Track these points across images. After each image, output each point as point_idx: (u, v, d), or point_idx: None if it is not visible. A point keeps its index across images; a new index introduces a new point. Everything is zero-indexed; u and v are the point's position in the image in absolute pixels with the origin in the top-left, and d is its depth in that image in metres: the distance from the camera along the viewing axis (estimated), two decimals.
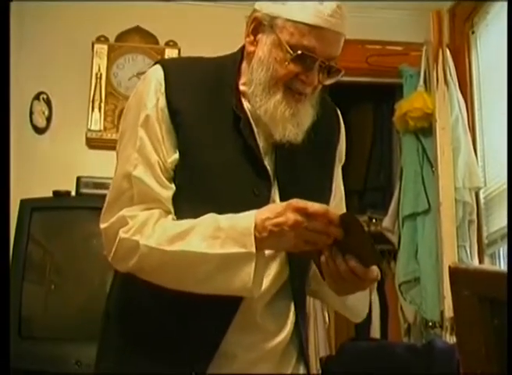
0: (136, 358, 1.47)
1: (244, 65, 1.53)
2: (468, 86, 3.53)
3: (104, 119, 3.66)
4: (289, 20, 1.44)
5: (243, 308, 1.44)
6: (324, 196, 1.58)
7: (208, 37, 3.63)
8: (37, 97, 3.67)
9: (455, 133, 3.31)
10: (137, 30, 3.83)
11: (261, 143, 1.50)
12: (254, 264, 1.32)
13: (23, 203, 3.10)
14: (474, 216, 3.29)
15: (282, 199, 1.48)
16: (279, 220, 1.32)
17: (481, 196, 3.40)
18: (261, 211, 1.36)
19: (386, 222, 3.54)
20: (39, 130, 3.67)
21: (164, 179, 1.45)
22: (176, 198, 1.46)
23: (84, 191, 3.27)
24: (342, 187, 1.67)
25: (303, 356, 1.56)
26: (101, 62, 3.73)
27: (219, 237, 1.35)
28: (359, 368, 2.66)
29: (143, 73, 3.65)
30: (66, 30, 3.76)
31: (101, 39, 3.77)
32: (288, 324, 1.53)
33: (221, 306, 1.41)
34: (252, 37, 1.50)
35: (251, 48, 1.50)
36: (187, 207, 1.45)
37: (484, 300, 0.95)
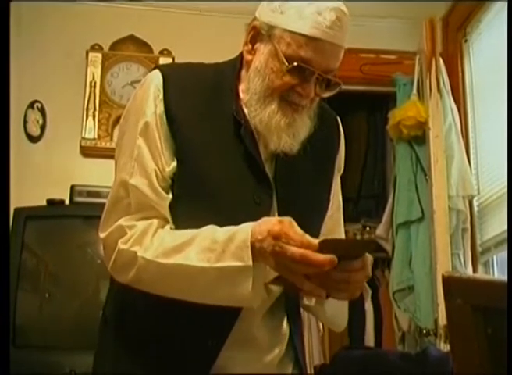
0: (132, 365, 1.46)
1: (243, 72, 1.52)
2: (461, 94, 3.55)
3: (99, 128, 3.66)
4: (286, 30, 1.42)
5: (241, 322, 1.44)
6: (321, 206, 1.58)
7: (202, 46, 3.64)
8: (31, 105, 3.67)
9: (448, 141, 3.32)
10: (131, 39, 3.83)
11: (261, 150, 1.49)
12: (251, 277, 1.31)
13: (17, 211, 3.10)
14: (468, 224, 3.29)
15: (279, 208, 1.48)
16: (261, 245, 1.31)
17: (475, 204, 3.41)
18: (256, 226, 1.34)
19: (380, 230, 3.54)
20: (33, 139, 3.67)
21: (160, 188, 1.44)
22: (174, 207, 1.45)
23: (78, 199, 3.27)
24: (340, 197, 1.66)
25: (298, 367, 1.56)
26: (95, 71, 3.73)
27: (216, 249, 1.34)
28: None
29: (137, 81, 3.72)
30: (60, 38, 3.76)
31: (96, 48, 3.78)
32: (283, 337, 1.53)
33: (219, 319, 1.40)
34: (250, 46, 1.49)
35: (249, 57, 1.49)
36: (186, 216, 1.44)
37: (477, 309, 0.96)
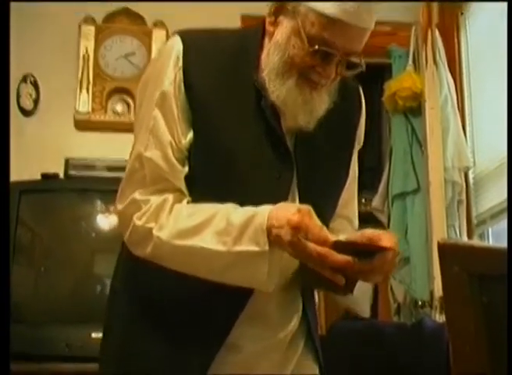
0: (144, 329, 1.46)
1: (266, 40, 1.47)
2: (457, 66, 3.52)
3: (93, 101, 3.62)
4: (312, 10, 1.37)
5: (253, 298, 1.43)
6: (340, 180, 1.57)
7: (197, 18, 3.59)
8: (24, 79, 3.63)
9: (444, 113, 3.30)
10: (125, 12, 3.79)
11: (282, 123, 1.47)
12: (267, 262, 1.31)
13: (12, 186, 3.05)
14: (464, 196, 3.29)
15: (299, 184, 1.47)
16: (279, 232, 1.30)
17: (470, 176, 3.40)
18: (273, 211, 1.33)
19: (376, 201, 3.53)
20: (26, 113, 3.63)
21: (175, 160, 1.42)
22: (191, 180, 1.44)
23: (73, 173, 3.24)
24: (356, 167, 1.64)
25: (311, 340, 1.56)
26: (88, 44, 3.69)
27: (233, 233, 1.33)
28: (349, 347, 2.67)
29: (131, 54, 3.69)
30: (53, 11, 3.72)
31: (88, 20, 3.73)
32: (296, 314, 1.53)
33: (232, 294, 1.39)
34: (273, 18, 1.44)
35: (271, 29, 1.45)
36: (203, 189, 1.43)
37: (473, 276, 0.95)
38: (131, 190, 1.43)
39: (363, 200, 3.69)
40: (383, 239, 1.34)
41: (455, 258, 0.95)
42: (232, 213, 1.35)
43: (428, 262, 3.15)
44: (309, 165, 1.48)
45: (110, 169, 3.20)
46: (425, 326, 2.71)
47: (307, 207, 1.32)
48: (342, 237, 1.36)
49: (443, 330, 2.57)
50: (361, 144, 1.64)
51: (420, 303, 3.19)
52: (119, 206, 1.45)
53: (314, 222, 1.30)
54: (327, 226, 1.43)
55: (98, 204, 3.14)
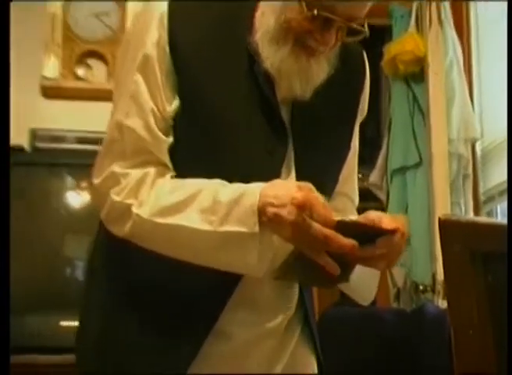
0: (126, 317, 1.47)
1: (262, 2, 1.45)
2: (465, 27, 3.53)
3: (61, 66, 3.60)
4: None
5: (244, 282, 1.43)
6: (341, 154, 1.57)
7: None
8: None
9: (449, 79, 3.31)
10: None
11: (276, 92, 1.45)
12: (257, 245, 1.30)
13: None
14: (470, 171, 3.31)
15: (296, 158, 1.46)
16: (279, 212, 1.28)
17: (478, 148, 3.42)
18: (267, 189, 1.31)
19: (374, 177, 3.55)
20: None
21: (158, 130, 1.42)
22: (175, 151, 1.44)
23: (40, 145, 3.23)
24: (357, 141, 1.65)
25: (308, 327, 1.57)
26: (55, 3, 3.66)
27: (219, 212, 1.32)
28: (344, 335, 2.69)
29: (103, 13, 3.65)
30: None
31: None
32: (292, 300, 1.54)
33: (220, 277, 1.39)
34: None
35: None
36: (188, 162, 1.43)
37: (476, 255, 0.96)
38: (109, 162, 1.43)
39: (359, 175, 3.70)
40: (388, 222, 1.34)
41: (457, 235, 0.95)
42: (219, 190, 1.35)
43: (431, 242, 3.18)
44: (307, 139, 1.48)
45: (81, 141, 3.19)
46: (427, 313, 2.72)
47: (306, 184, 1.31)
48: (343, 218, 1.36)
49: (446, 316, 2.58)
50: (364, 114, 1.63)
51: (421, 288, 3.23)
52: (96, 180, 1.45)
53: (319, 199, 1.29)
54: None
55: (68, 179, 3.13)
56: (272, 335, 1.50)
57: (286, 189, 1.30)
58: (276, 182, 1.34)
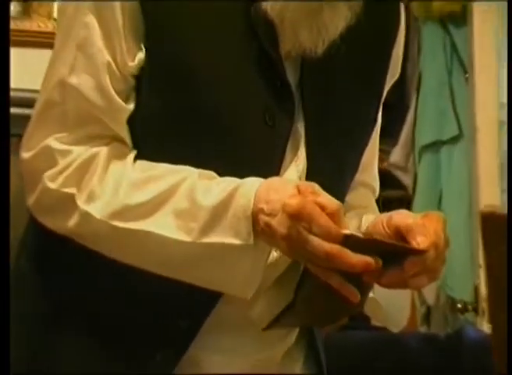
0: (64, 340, 1.47)
1: None
2: None
3: None
4: None
5: (227, 299, 1.43)
6: (366, 128, 1.59)
7: None
8: None
9: (502, 20, 3.28)
10: None
11: (281, 46, 1.45)
12: (250, 260, 1.31)
13: None
14: None
15: (307, 134, 1.47)
16: (270, 222, 1.29)
17: None
18: (262, 190, 1.31)
19: (396, 155, 3.59)
20: None
21: (114, 92, 1.40)
22: (138, 124, 1.43)
23: None
24: (380, 113, 1.67)
25: (314, 357, 1.60)
26: None
27: (202, 217, 1.32)
28: (352, 366, 2.69)
29: None
30: None
31: None
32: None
33: (196, 291, 1.39)
34: None
35: None
36: (155, 140, 1.43)
37: None
38: (44, 133, 1.42)
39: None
40: (419, 233, 1.30)
41: (503, 234, 0.95)
42: (201, 186, 1.34)
43: (472, 244, 3.19)
44: (321, 108, 1.50)
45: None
46: (466, 339, 2.73)
47: (310, 184, 1.31)
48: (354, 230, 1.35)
49: (491, 343, 2.60)
50: (396, 76, 1.66)
51: (459, 306, 3.24)
52: (24, 154, 1.44)
53: (322, 204, 1.27)
54: (343, 201, 1.45)
55: None
56: (263, 369, 1.51)
57: (280, 191, 1.30)
58: (273, 181, 1.34)
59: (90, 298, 1.47)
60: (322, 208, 1.26)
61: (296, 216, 1.26)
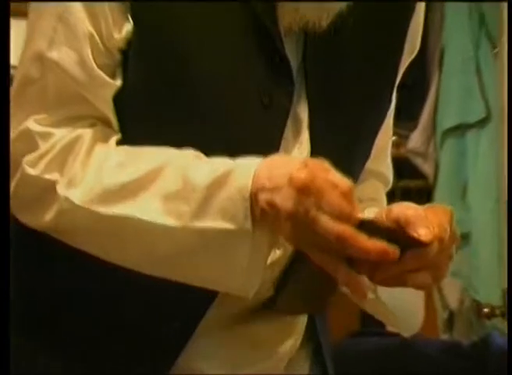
0: (44, 345, 1.49)
1: None
2: None
3: None
4: None
5: (222, 300, 1.44)
6: (379, 113, 1.58)
7: None
8: None
9: None
10: None
11: (280, 18, 1.44)
12: (248, 248, 1.29)
13: None
14: None
15: (311, 116, 1.47)
16: (273, 198, 1.27)
17: None
18: (262, 168, 1.30)
19: (415, 140, 3.58)
20: None
21: (98, 67, 1.40)
22: (124, 102, 1.43)
23: None
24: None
25: (320, 366, 1.61)
26: None
27: (193, 200, 1.31)
28: None
29: None
30: None
31: None
32: (297, 325, 1.56)
33: (189, 291, 1.38)
34: None
35: None
36: (144, 120, 1.43)
37: None
38: (22, 114, 1.42)
39: (393, 138, 3.71)
40: (421, 224, 1.29)
41: None
42: (193, 167, 1.34)
43: (500, 240, 3.17)
44: (327, 88, 1.49)
45: None
46: (493, 347, 2.73)
47: (319, 162, 1.29)
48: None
49: None
50: (415, 52, 1.64)
51: (486, 310, 3.24)
52: None
53: (333, 181, 1.26)
54: None
55: None
56: None
57: (286, 166, 1.29)
58: (276, 158, 1.33)
59: (68, 301, 1.49)
60: (333, 185, 1.24)
61: (305, 190, 1.24)
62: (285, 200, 1.25)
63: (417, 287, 1.35)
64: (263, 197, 1.27)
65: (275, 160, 1.32)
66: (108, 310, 1.46)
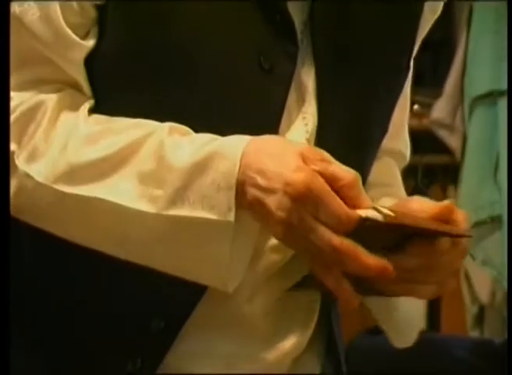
0: (19, 348, 1.49)
1: None
2: None
3: None
4: None
5: (213, 296, 1.43)
6: (396, 77, 1.58)
7: None
8: None
9: None
10: None
11: None
12: (230, 240, 1.30)
13: None
14: None
15: (319, 84, 1.47)
16: (265, 201, 1.28)
17: None
18: (251, 153, 1.31)
19: (440, 110, 3.59)
20: None
21: (66, 25, 1.39)
22: (98, 65, 1.43)
23: None
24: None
25: (334, 363, 1.61)
26: None
27: (169, 182, 1.32)
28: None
29: None
30: None
31: None
32: (305, 317, 1.56)
33: (175, 291, 1.41)
34: None
35: None
36: (119, 86, 1.43)
37: None
38: None
39: (414, 106, 3.70)
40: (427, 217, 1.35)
41: None
42: (172, 144, 1.34)
43: None
44: (336, 54, 1.49)
45: None
46: None
47: (317, 152, 1.31)
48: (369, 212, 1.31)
49: None
50: (439, 11, 1.63)
51: None
52: None
53: (335, 175, 1.27)
54: (367, 173, 1.50)
55: None
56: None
57: (280, 160, 1.30)
58: (266, 140, 1.34)
59: (52, 298, 1.51)
60: (335, 179, 1.26)
61: (302, 199, 1.26)
62: (278, 206, 1.26)
63: (421, 296, 1.38)
64: (253, 192, 1.28)
65: (264, 144, 1.32)
66: (93, 307, 1.48)
